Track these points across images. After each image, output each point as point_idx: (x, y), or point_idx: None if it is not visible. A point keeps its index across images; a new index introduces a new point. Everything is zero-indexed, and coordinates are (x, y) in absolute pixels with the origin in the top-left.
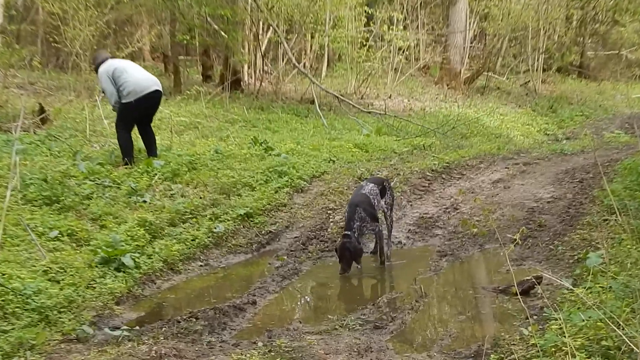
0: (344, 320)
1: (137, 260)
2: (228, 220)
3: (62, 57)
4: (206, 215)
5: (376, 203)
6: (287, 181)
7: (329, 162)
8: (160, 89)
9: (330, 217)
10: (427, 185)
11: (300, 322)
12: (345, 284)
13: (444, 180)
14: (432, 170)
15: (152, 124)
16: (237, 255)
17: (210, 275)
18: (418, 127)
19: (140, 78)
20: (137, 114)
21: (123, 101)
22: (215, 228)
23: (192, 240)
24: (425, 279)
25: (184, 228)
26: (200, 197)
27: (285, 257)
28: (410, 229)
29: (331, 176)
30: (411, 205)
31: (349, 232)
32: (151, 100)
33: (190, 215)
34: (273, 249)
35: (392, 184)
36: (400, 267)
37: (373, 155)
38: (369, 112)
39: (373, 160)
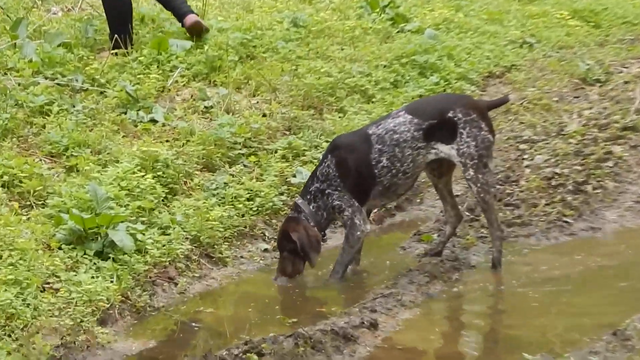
0: None
1: (139, 237)
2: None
3: None
4: (276, 151)
5: (400, 156)
6: (436, 84)
7: (520, 46)
8: None
9: (524, 156)
10: None
11: None
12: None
13: None
14: None
15: None
16: (336, 230)
17: None
18: None
19: None
20: None
21: None
22: (295, 175)
23: (247, 199)
24: None
25: (233, 176)
26: (265, 115)
27: (435, 236)
28: None
29: (526, 75)
30: None
31: (300, 200)
32: None
33: (244, 150)
34: (410, 219)
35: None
36: None
37: (609, 33)
38: None
39: (609, 45)
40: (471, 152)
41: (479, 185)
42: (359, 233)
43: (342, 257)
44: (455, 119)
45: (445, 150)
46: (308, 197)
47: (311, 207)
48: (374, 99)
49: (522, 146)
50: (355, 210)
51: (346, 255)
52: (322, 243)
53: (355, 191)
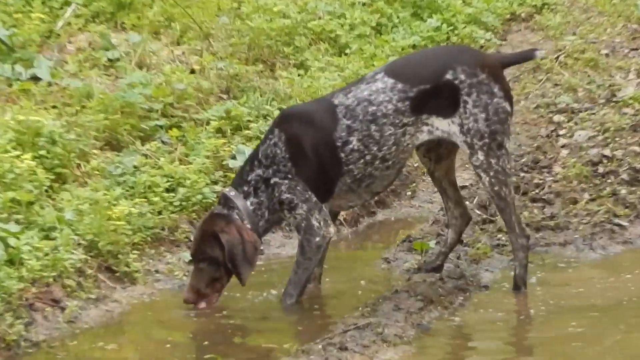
0: None
1: (12, 242)
2: None
3: None
4: (208, 122)
5: (377, 137)
6: (436, 29)
7: None
8: None
9: (560, 132)
10: None
11: None
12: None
13: None
14: None
15: None
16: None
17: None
18: None
19: None
20: None
21: None
22: (235, 157)
23: (166, 190)
24: None
25: (147, 157)
26: (194, 71)
27: (433, 244)
28: None
29: (563, 19)
30: None
31: (231, 193)
32: None
33: (163, 121)
34: (396, 220)
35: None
36: None
37: None
38: None
39: None
40: (480, 128)
41: (492, 174)
42: (317, 239)
43: (296, 274)
44: (457, 82)
45: (442, 126)
46: (245, 188)
47: (248, 202)
48: (347, 50)
49: (557, 118)
50: (312, 207)
51: (302, 272)
52: (260, 253)
53: (312, 182)
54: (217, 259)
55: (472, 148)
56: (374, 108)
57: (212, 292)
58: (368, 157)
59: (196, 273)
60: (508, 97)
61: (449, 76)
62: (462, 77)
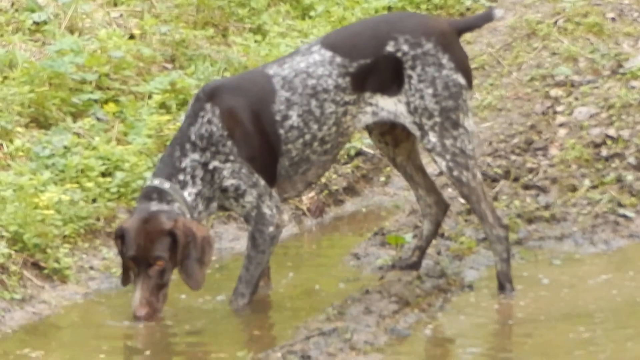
0: None
1: None
2: None
3: None
4: (150, 95)
5: (317, 114)
6: None
7: None
8: None
9: (558, 107)
10: None
11: None
12: None
13: None
14: None
15: None
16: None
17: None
18: None
19: None
20: None
21: None
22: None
23: (102, 175)
24: None
25: (80, 136)
26: (133, 37)
27: (409, 238)
28: None
29: None
30: None
31: (165, 185)
32: None
33: (98, 94)
34: (367, 210)
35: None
36: None
37: None
38: None
39: None
40: (427, 106)
41: (448, 157)
42: (271, 229)
43: (247, 271)
44: (399, 54)
45: (388, 106)
46: (181, 177)
47: (186, 193)
48: (312, 13)
49: (554, 92)
50: (262, 192)
51: (254, 267)
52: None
53: (257, 163)
54: (170, 262)
55: (422, 129)
56: (314, 81)
57: (162, 302)
58: (307, 137)
59: (144, 282)
60: (461, 68)
61: (390, 48)
62: (405, 48)
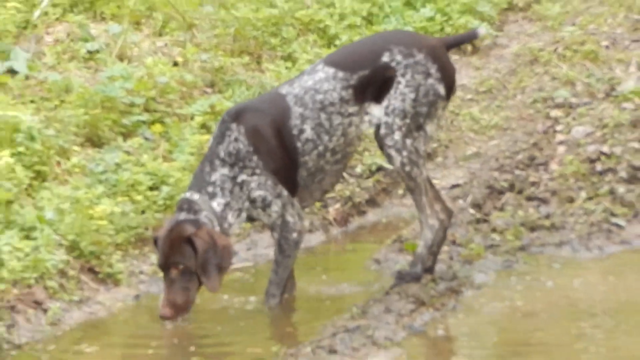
0: None
1: None
2: None
3: None
4: (193, 117)
5: (327, 126)
6: (429, 19)
7: None
8: None
9: (557, 127)
10: None
11: None
12: None
13: None
14: None
15: None
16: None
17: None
18: None
19: None
20: None
21: None
22: None
23: (150, 189)
24: None
25: (129, 153)
26: (177, 64)
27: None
28: None
29: (562, 8)
30: None
31: (195, 196)
32: None
33: (145, 116)
34: (387, 220)
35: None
36: None
37: None
38: None
39: None
40: (405, 108)
41: (405, 154)
42: (295, 235)
43: (276, 274)
44: (393, 63)
45: (377, 112)
46: (210, 189)
47: (215, 203)
48: (337, 41)
49: (554, 113)
50: (285, 202)
51: (282, 270)
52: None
53: (281, 175)
54: (191, 267)
55: (389, 128)
56: (321, 96)
57: (187, 303)
58: (320, 148)
59: (168, 285)
60: (445, 79)
61: (385, 58)
62: (399, 57)
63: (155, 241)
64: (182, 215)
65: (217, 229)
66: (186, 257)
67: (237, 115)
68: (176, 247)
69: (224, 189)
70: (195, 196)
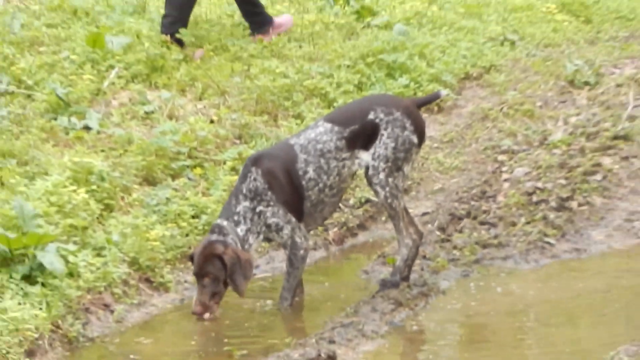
0: None
1: (71, 259)
2: None
3: None
4: (225, 162)
5: (325, 168)
6: (405, 86)
7: (501, 44)
8: None
9: (503, 168)
10: None
11: None
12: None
13: None
14: None
15: None
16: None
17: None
18: None
19: None
20: None
21: None
22: None
23: (192, 217)
24: None
25: (177, 190)
26: (213, 121)
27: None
28: None
29: (506, 77)
30: None
31: (224, 223)
32: None
33: (189, 161)
34: (374, 240)
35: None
36: None
37: (601, 29)
38: None
39: (601, 43)
40: (387, 154)
41: (387, 189)
42: (302, 252)
43: (288, 282)
44: (377, 120)
45: (365, 157)
46: (235, 218)
47: (239, 229)
48: (335, 103)
49: (500, 157)
50: (294, 226)
51: (292, 279)
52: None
53: (289, 206)
54: (219, 276)
55: (376, 170)
56: (321, 145)
57: (214, 304)
58: (321, 185)
59: (201, 289)
60: (417, 131)
61: (371, 116)
62: (381, 115)
63: (191, 257)
64: (214, 237)
65: (240, 248)
66: (216, 268)
67: (255, 161)
68: (209, 261)
69: (246, 217)
70: (224, 223)
